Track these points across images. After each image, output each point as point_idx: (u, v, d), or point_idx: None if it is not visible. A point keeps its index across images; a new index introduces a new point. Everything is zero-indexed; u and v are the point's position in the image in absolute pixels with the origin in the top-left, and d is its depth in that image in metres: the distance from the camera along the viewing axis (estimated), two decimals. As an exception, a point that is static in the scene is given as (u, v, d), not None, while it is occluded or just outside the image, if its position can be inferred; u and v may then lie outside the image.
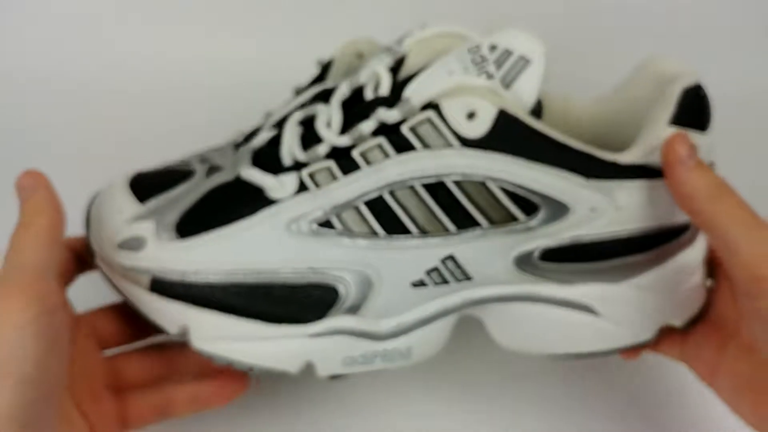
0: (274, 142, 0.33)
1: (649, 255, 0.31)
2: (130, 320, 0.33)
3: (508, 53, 0.29)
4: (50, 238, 0.28)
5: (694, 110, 0.30)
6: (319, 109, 0.32)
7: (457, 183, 0.28)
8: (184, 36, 0.68)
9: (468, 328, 0.34)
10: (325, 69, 0.45)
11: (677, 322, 0.33)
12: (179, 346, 0.33)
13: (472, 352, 0.38)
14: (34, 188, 0.29)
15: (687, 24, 0.69)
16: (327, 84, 0.43)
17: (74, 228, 0.40)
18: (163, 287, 0.30)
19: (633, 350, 0.33)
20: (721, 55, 0.68)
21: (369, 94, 0.31)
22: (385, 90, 0.31)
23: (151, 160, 0.43)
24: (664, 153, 0.29)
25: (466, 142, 0.28)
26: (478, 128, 0.28)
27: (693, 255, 0.32)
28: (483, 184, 0.28)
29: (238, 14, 0.69)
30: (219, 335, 0.30)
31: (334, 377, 0.31)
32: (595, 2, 0.69)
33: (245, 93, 0.59)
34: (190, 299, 0.30)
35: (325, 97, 0.39)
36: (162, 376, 0.33)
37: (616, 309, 0.32)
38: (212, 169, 0.32)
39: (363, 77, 0.33)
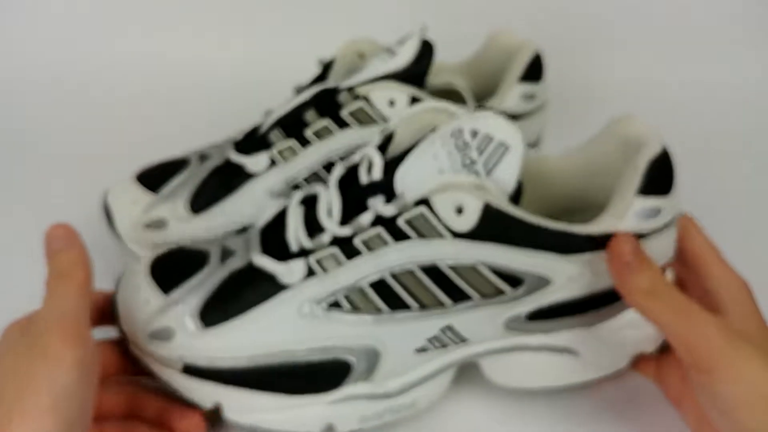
0: (279, 222, 0.36)
1: (622, 302, 0.35)
2: (124, 357, 0.36)
3: (488, 139, 0.32)
4: (86, 290, 0.31)
5: (658, 179, 0.33)
6: (319, 191, 0.35)
7: (451, 267, 0.32)
8: (187, 36, 0.69)
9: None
10: (326, 68, 0.47)
11: (649, 349, 0.38)
12: (142, 387, 0.36)
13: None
14: (67, 241, 0.32)
15: (686, 24, 0.71)
16: (328, 83, 0.44)
17: (78, 225, 0.41)
18: (194, 371, 0.33)
19: None
20: (720, 54, 0.71)
21: (363, 177, 0.34)
22: (377, 173, 0.34)
23: (154, 156, 0.45)
24: (608, 252, 0.32)
25: (457, 235, 0.31)
26: (467, 222, 0.31)
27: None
28: (473, 267, 0.32)
29: (239, 14, 0.69)
30: (248, 409, 0.34)
31: None
32: (595, 3, 0.71)
33: (246, 92, 0.61)
34: (220, 380, 0.33)
35: (324, 97, 0.41)
36: (128, 411, 0.36)
37: (595, 348, 0.37)
38: (225, 254, 0.35)
39: (356, 158, 0.35)
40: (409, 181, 0.32)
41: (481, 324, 0.34)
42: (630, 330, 0.37)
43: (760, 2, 0.70)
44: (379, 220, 0.32)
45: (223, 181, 0.41)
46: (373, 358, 0.34)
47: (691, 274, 0.36)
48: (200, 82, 0.66)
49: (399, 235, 0.32)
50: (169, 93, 0.65)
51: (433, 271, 0.32)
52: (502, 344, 0.35)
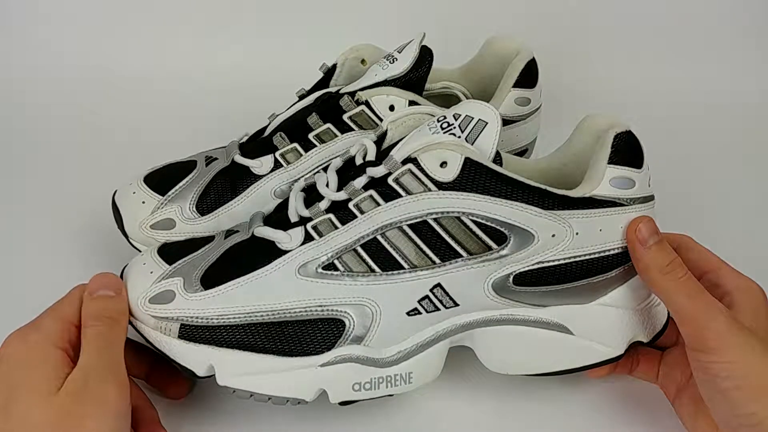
0: (281, 207, 0.38)
1: (610, 275, 0.36)
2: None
3: (469, 118, 0.36)
4: (125, 334, 0.34)
5: (626, 151, 0.36)
6: (318, 176, 0.38)
7: (437, 220, 0.34)
8: (194, 43, 0.73)
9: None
10: (329, 74, 0.49)
11: (644, 338, 0.38)
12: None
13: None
14: (116, 289, 0.35)
15: (682, 29, 0.74)
16: (330, 88, 0.47)
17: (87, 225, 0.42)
18: (190, 333, 0.34)
19: (602, 368, 0.38)
20: (717, 59, 0.73)
21: (359, 161, 0.38)
22: (372, 156, 0.37)
23: (162, 159, 0.47)
24: (627, 231, 0.35)
25: (441, 186, 0.34)
26: (450, 173, 0.34)
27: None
28: (458, 219, 0.34)
29: (244, 21, 0.74)
30: (241, 372, 0.34)
31: (345, 403, 0.35)
32: (595, 4, 0.74)
33: (251, 96, 0.64)
34: (215, 342, 0.34)
35: (326, 102, 0.44)
36: None
37: (588, 327, 0.37)
38: (229, 232, 0.38)
39: (353, 150, 0.39)
40: (399, 149, 0.36)
41: (470, 284, 0.35)
42: (624, 309, 0.37)
43: (760, 2, 0.72)
44: (371, 183, 0.35)
45: (228, 183, 0.44)
46: (366, 320, 0.35)
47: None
48: (206, 87, 0.69)
49: (389, 195, 0.35)
50: (177, 98, 0.68)
51: (421, 227, 0.34)
52: (493, 315, 0.36)
